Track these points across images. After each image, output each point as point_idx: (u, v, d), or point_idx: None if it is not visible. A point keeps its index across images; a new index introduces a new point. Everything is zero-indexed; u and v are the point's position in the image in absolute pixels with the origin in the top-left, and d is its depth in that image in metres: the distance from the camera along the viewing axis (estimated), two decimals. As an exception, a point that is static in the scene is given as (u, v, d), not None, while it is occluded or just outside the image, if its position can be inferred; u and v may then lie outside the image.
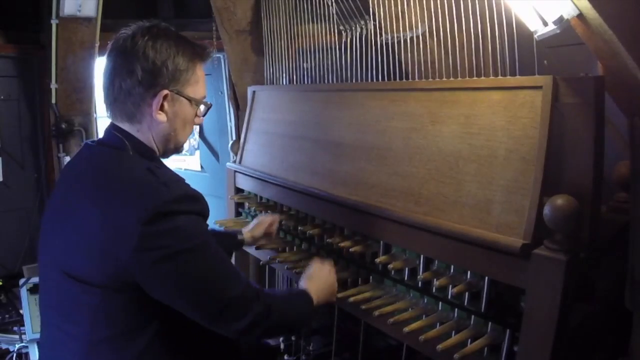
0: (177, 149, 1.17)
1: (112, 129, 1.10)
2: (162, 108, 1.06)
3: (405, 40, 1.51)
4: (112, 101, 1.08)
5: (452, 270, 1.21)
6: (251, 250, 1.78)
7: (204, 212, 1.04)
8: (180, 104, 1.09)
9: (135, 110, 1.06)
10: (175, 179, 1.03)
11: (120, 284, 0.96)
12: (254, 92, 2.15)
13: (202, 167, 3.52)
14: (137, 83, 1.03)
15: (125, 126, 1.09)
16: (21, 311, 2.29)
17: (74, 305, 1.01)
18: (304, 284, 1.32)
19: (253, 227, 1.71)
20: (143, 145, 1.09)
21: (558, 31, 1.09)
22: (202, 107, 1.17)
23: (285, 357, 2.10)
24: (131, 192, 0.96)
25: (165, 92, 1.05)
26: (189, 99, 1.10)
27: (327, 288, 1.35)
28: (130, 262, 0.93)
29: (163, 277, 0.95)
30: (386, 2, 1.53)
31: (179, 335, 1.06)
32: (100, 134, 1.15)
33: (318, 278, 1.35)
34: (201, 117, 1.18)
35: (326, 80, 1.84)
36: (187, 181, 1.10)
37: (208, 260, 1.01)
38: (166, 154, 1.16)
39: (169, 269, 0.95)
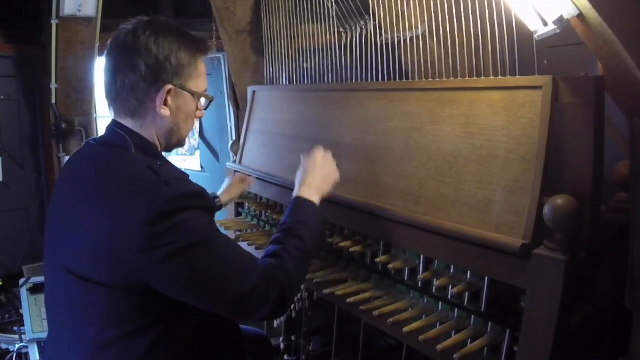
0: (180, 143, 1.18)
1: (114, 125, 1.10)
2: (165, 103, 1.07)
3: (405, 40, 1.51)
4: (115, 97, 1.08)
5: (452, 270, 1.21)
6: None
7: (207, 207, 1.03)
8: (183, 98, 1.10)
9: (138, 106, 1.06)
10: (177, 177, 1.01)
11: (128, 285, 0.95)
12: (254, 92, 2.15)
13: (202, 167, 3.52)
14: (140, 79, 1.03)
15: (128, 122, 1.09)
16: (21, 311, 2.29)
17: (82, 305, 1.00)
18: (298, 190, 1.26)
19: (227, 189, 1.85)
20: (146, 141, 1.09)
21: (558, 31, 1.08)
22: (203, 101, 1.17)
23: (285, 357, 2.10)
24: (133, 193, 0.95)
25: (169, 87, 1.06)
26: (192, 93, 1.11)
27: (326, 180, 1.30)
28: (137, 264, 0.92)
29: (172, 274, 0.94)
30: (386, 2, 1.53)
31: (186, 335, 1.05)
32: (101, 134, 1.15)
33: (313, 176, 1.29)
34: (203, 111, 1.18)
35: (326, 80, 1.84)
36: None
37: (217, 253, 0.98)
38: (169, 149, 1.17)
39: (177, 265, 0.93)
